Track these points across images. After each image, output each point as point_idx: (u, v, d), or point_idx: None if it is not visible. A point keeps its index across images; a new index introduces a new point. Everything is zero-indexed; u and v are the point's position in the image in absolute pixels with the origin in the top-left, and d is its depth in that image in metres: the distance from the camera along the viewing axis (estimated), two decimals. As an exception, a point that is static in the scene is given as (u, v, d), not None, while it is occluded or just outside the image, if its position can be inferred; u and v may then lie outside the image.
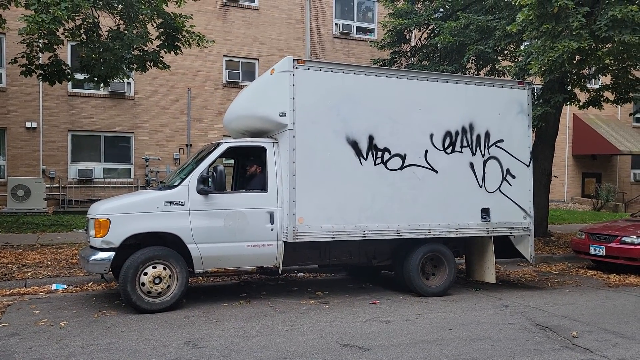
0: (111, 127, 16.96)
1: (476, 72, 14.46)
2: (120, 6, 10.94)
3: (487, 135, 7.97)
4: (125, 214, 6.45)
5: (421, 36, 16.18)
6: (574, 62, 10.06)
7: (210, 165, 6.77)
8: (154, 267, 6.45)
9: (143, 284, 6.41)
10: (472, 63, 14.15)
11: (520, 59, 12.81)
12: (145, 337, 5.56)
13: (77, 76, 12.51)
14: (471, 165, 7.84)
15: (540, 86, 13.14)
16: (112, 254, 6.38)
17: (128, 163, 17.34)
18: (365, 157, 7.15)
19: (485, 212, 7.86)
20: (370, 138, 7.20)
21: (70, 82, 13.31)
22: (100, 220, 6.40)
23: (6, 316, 6.36)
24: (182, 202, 6.56)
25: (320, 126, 6.94)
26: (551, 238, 13.53)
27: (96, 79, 11.45)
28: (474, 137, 7.88)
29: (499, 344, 5.48)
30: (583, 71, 12.02)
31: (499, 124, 8.06)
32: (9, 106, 16.04)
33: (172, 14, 11.20)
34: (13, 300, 7.21)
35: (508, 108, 8.15)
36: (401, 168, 7.37)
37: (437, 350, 5.25)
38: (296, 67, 6.84)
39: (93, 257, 6.40)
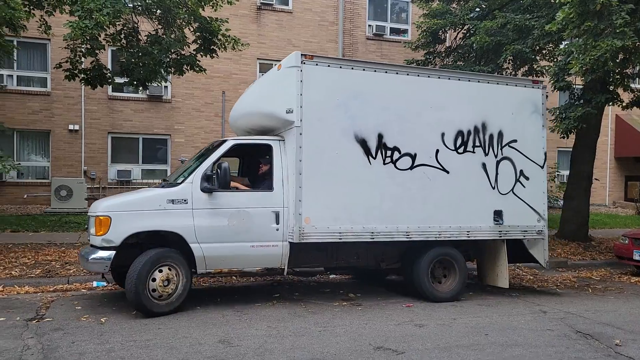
0: (149, 129, 17.54)
1: (513, 73, 14.23)
2: (158, 11, 11.34)
3: (500, 135, 7.83)
4: (126, 211, 6.42)
5: (456, 36, 16.01)
6: (617, 60, 9.83)
7: (214, 163, 6.77)
8: (163, 269, 6.40)
9: (154, 290, 6.34)
10: (509, 63, 13.92)
11: (559, 58, 12.60)
12: (182, 334, 5.69)
13: (117, 80, 12.99)
14: (483, 165, 7.72)
15: (581, 86, 12.78)
16: (112, 253, 6.29)
17: (165, 164, 17.90)
18: (374, 156, 7.14)
19: (498, 215, 7.72)
20: (380, 136, 7.18)
21: (110, 86, 13.80)
22: (101, 217, 6.34)
23: (50, 311, 6.58)
24: (185, 200, 6.53)
25: (328, 124, 6.95)
26: (592, 243, 13.16)
27: (135, 82, 11.86)
28: (487, 137, 7.76)
29: (538, 350, 5.36)
30: (627, 70, 11.67)
31: (513, 123, 7.91)
32: (54, 109, 16.77)
33: (208, 18, 11.55)
34: (57, 296, 7.50)
35: (522, 107, 7.99)
36: (411, 168, 7.32)
37: (473, 355, 5.19)
38: (304, 63, 6.87)
39: (93, 256, 6.37)
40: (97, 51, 10.66)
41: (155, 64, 11.20)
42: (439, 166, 7.47)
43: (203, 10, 11.50)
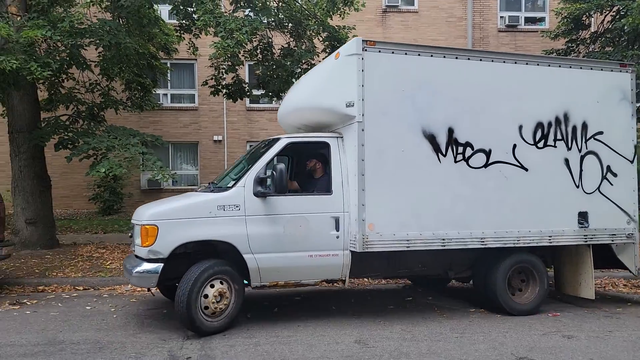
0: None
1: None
2: (290, 25, 12.09)
3: (585, 126, 6.88)
4: (174, 219, 5.73)
5: (603, 20, 14.72)
6: None
7: (267, 164, 6.04)
8: (215, 283, 5.74)
9: (206, 307, 5.68)
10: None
11: None
12: (319, 333, 5.85)
13: (255, 92, 13.72)
14: (566, 161, 6.79)
15: None
16: (160, 265, 5.65)
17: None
18: (444, 153, 6.28)
19: (583, 217, 6.80)
20: (450, 131, 6.30)
21: (248, 98, 14.47)
22: (148, 227, 5.66)
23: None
24: (237, 206, 5.79)
25: (393, 118, 6.09)
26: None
27: (270, 94, 12.51)
28: (569, 129, 6.81)
29: None
30: None
31: (598, 113, 6.94)
32: (201, 122, 18.48)
33: (336, 27, 11.90)
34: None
35: (608, 95, 7.01)
36: (485, 165, 6.43)
37: (636, 374, 4.66)
38: (365, 50, 6.01)
39: (138, 269, 5.69)
40: (237, 67, 11.35)
41: (288, 75, 11.81)
42: (517, 163, 6.56)
43: (331, 19, 12.03)
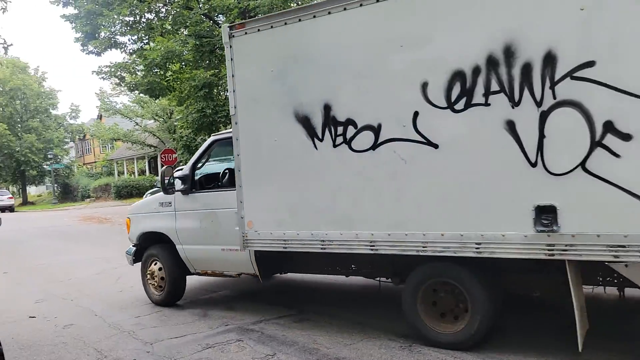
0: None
1: None
2: None
3: (550, 59, 3.96)
4: (136, 214, 7.29)
5: None
6: None
7: (195, 161, 6.49)
8: (153, 264, 6.95)
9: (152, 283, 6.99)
10: None
11: None
12: None
13: None
14: (509, 125, 4.14)
15: None
16: (133, 249, 7.25)
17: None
18: (320, 137, 5.06)
19: (546, 214, 4.03)
20: (326, 108, 5.00)
21: None
22: (127, 219, 7.40)
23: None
24: (170, 203, 6.67)
25: (265, 104, 5.41)
26: None
27: None
28: (516, 71, 4.09)
29: None
30: None
31: (584, 28, 3.83)
32: None
33: None
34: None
35: (610, -13, 3.73)
36: (374, 147, 4.76)
37: None
38: (232, 37, 5.54)
39: (126, 251, 7.51)
40: None
41: None
42: (420, 138, 4.52)
43: None
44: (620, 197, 3.77)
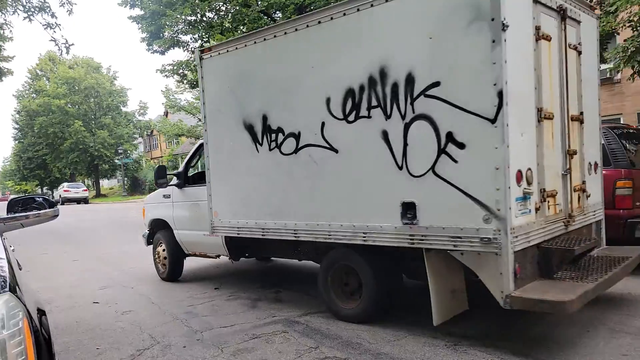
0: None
1: None
2: None
3: (410, 80, 4.74)
4: (148, 204, 8.84)
5: None
6: None
7: (187, 161, 7.77)
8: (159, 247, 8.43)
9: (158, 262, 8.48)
10: None
11: None
12: None
13: None
14: (384, 135, 4.96)
15: None
16: (147, 233, 8.72)
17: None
18: (260, 142, 6.13)
19: (409, 209, 4.81)
20: (264, 118, 6.07)
21: None
22: (143, 208, 9.02)
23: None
24: (169, 196, 8.05)
25: (225, 115, 6.57)
26: None
27: None
28: (388, 89, 4.90)
29: None
30: None
31: (431, 54, 4.58)
32: None
33: None
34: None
35: (447, 21, 4.44)
36: (296, 151, 5.75)
37: None
38: (202, 59, 6.78)
39: (143, 233, 8.99)
40: None
41: None
42: (326, 144, 5.44)
43: None
44: (458, 196, 4.50)
